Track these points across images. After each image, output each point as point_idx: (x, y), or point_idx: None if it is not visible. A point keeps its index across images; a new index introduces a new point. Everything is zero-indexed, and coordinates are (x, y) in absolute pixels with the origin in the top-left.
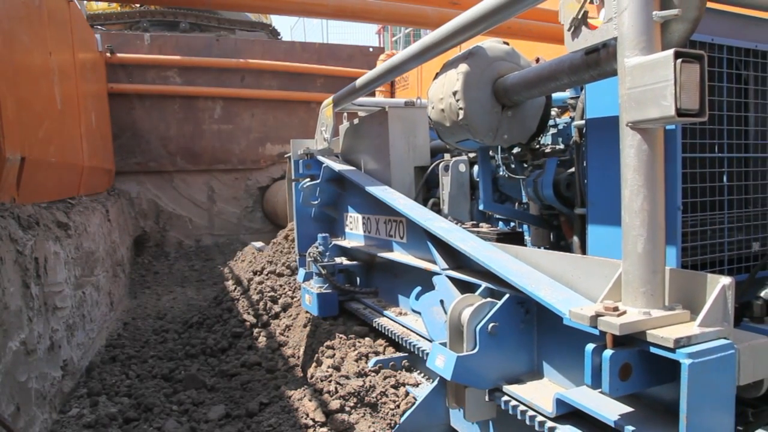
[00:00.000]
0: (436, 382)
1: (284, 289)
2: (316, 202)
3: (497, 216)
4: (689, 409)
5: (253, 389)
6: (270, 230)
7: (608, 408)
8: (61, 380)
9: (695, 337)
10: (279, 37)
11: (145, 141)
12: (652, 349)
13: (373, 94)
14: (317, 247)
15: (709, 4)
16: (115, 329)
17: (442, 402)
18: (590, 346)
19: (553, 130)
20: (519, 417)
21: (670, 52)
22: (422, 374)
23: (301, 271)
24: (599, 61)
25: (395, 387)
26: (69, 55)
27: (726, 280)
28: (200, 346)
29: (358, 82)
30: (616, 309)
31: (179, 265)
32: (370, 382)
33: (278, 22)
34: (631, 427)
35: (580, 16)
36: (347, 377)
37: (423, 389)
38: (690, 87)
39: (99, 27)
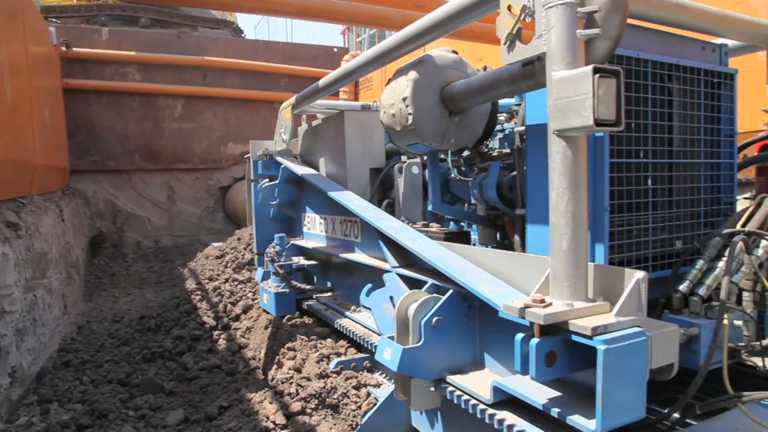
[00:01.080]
0: None
1: (245, 290)
2: (274, 202)
3: (448, 216)
4: (604, 390)
5: (213, 392)
6: (231, 231)
7: (538, 393)
8: (9, 387)
9: (611, 325)
10: (242, 36)
11: (102, 139)
12: (574, 337)
13: (337, 95)
14: (274, 247)
15: (636, 22)
16: (68, 333)
17: (403, 402)
18: (519, 336)
19: (500, 135)
20: (461, 405)
21: (589, 68)
22: (384, 375)
23: (260, 271)
24: (534, 73)
25: (357, 388)
26: (20, 47)
27: (640, 275)
28: (158, 350)
29: (321, 82)
30: (542, 301)
31: (137, 266)
32: (332, 383)
33: (242, 20)
34: (556, 409)
35: (514, 32)
36: (308, 379)
37: (384, 390)
38: (607, 99)
39: (54, 20)
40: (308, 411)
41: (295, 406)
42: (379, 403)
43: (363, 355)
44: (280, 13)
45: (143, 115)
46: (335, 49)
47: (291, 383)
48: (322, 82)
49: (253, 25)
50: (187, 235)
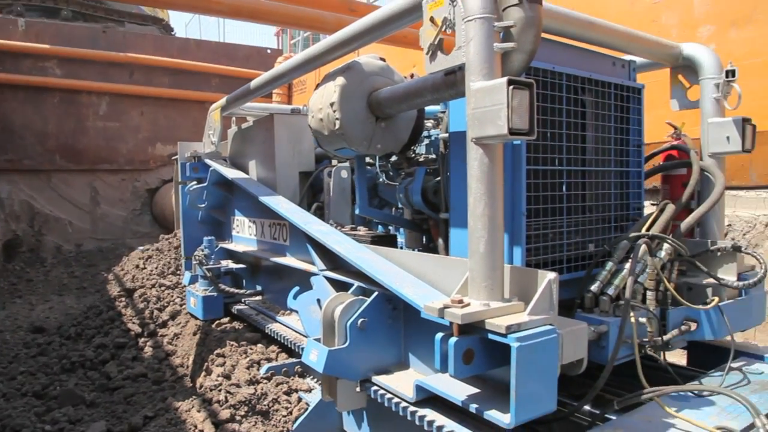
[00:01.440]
0: None
1: (172, 296)
2: (203, 205)
3: (376, 220)
4: (518, 385)
5: (138, 402)
6: (159, 234)
7: (458, 390)
8: None
9: (524, 324)
10: (172, 33)
11: (19, 136)
12: (489, 336)
13: (270, 97)
14: (203, 250)
15: (553, 37)
16: None
17: (334, 407)
18: (439, 335)
19: (426, 141)
20: (386, 404)
21: (504, 79)
22: (315, 380)
23: (187, 275)
24: (456, 82)
25: (288, 393)
26: None
27: (551, 276)
28: (79, 359)
29: (253, 83)
30: (461, 302)
31: (57, 271)
32: (262, 389)
33: (172, 17)
34: (474, 405)
35: (436, 43)
36: (238, 385)
37: (316, 395)
38: (521, 110)
39: None
40: (238, 418)
41: (224, 414)
42: (310, 408)
43: (294, 360)
44: (212, 12)
45: (64, 112)
46: (269, 51)
47: (220, 390)
48: (253, 83)
49: (184, 23)
50: (111, 238)
